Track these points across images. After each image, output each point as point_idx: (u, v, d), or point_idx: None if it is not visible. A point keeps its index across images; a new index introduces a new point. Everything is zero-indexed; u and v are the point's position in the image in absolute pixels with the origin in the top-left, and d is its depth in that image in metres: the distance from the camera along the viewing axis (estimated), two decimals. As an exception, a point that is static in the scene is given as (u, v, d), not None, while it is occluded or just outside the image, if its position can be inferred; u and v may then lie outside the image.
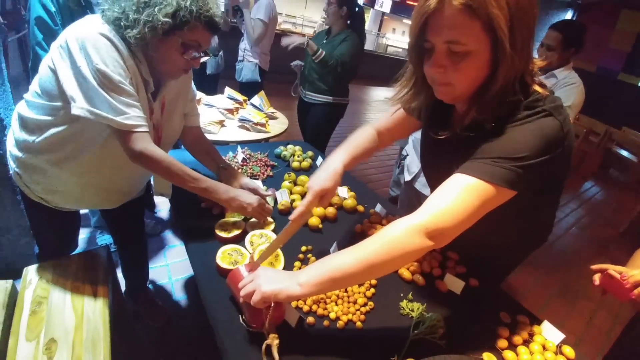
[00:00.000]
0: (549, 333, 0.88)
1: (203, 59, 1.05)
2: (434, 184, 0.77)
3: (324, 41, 2.46)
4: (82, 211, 1.34)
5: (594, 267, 0.82)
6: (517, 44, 0.62)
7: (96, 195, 1.13)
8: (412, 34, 0.69)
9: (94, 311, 1.03)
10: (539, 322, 0.91)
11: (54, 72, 0.89)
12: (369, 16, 12.10)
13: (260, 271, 0.74)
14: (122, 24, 0.86)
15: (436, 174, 0.80)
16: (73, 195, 1.10)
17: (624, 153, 5.64)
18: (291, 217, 0.88)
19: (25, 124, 0.99)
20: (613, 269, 0.77)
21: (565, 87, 1.75)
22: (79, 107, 0.86)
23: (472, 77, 0.67)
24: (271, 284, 0.69)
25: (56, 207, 1.12)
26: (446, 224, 0.66)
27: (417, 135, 1.78)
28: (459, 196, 0.67)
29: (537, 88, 0.71)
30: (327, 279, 0.67)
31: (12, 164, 1.08)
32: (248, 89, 2.87)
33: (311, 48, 2.31)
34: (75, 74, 0.85)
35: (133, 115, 0.89)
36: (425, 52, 0.70)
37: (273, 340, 0.70)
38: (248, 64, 3.05)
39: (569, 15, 7.64)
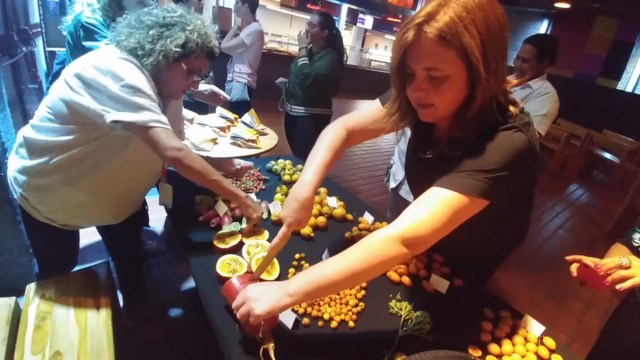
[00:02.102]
0: (530, 326, 0.94)
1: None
2: (417, 196, 0.83)
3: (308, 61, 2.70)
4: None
5: (569, 257, 0.86)
6: (491, 68, 0.67)
7: (104, 210, 1.18)
8: (394, 61, 0.74)
9: (97, 324, 1.06)
10: (521, 317, 0.97)
11: (68, 99, 0.95)
12: (352, 33, 12.38)
13: (249, 292, 0.74)
14: (138, 53, 0.96)
15: (420, 186, 0.85)
16: (81, 212, 1.15)
17: (607, 155, 5.82)
18: (268, 247, 0.90)
19: (34, 148, 1.03)
20: (587, 259, 0.81)
21: (540, 96, 1.84)
22: (113, 118, 0.91)
23: (451, 98, 0.73)
24: (263, 303, 0.70)
25: (61, 225, 1.16)
26: (421, 233, 0.71)
27: (402, 145, 1.87)
28: (434, 207, 0.73)
29: (510, 107, 0.77)
30: (314, 288, 0.71)
31: (17, 189, 1.09)
32: (238, 108, 2.97)
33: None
34: (105, 95, 0.92)
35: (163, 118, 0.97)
36: (407, 77, 0.75)
37: (269, 345, 0.74)
38: (237, 84, 3.16)
39: (544, 24, 7.92)
